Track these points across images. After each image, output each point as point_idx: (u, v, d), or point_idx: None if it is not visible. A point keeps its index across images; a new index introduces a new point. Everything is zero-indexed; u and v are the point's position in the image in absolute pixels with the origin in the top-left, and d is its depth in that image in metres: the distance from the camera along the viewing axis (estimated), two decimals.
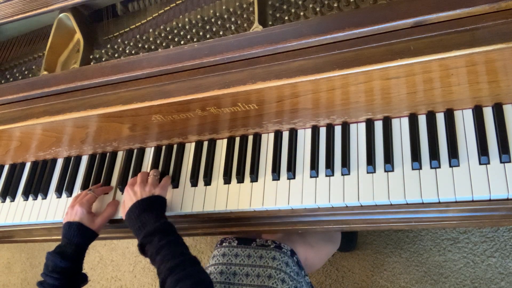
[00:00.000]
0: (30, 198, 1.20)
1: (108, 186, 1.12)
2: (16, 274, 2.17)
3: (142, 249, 0.90)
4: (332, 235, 1.19)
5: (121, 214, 0.99)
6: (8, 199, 1.23)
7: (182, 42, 1.03)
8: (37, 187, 1.20)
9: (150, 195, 0.97)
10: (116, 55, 1.10)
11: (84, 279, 0.99)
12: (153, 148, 1.13)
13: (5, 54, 1.27)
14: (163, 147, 1.11)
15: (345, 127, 0.95)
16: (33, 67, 1.20)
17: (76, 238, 0.98)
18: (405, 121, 0.92)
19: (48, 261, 0.95)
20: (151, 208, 0.94)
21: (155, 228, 0.89)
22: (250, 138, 1.04)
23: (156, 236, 0.88)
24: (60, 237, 1.19)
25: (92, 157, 1.18)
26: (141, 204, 0.95)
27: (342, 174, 0.92)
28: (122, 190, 1.10)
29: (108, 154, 1.17)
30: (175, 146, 1.10)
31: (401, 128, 0.92)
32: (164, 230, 0.89)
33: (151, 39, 1.07)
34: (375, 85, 0.84)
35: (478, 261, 1.45)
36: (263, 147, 1.02)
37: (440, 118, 0.89)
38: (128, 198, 0.98)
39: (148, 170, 1.10)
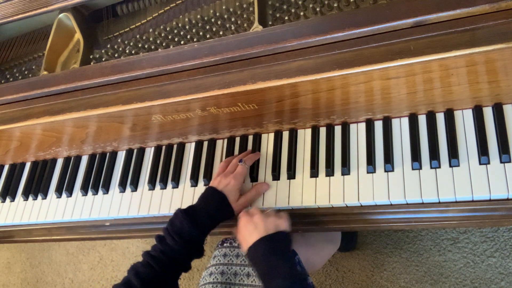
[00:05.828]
0: (30, 198, 1.20)
1: (256, 153, 1.00)
2: (16, 274, 2.17)
3: None
4: (333, 235, 1.19)
5: (241, 245, 0.88)
6: (8, 199, 1.23)
7: (182, 42, 1.03)
8: (37, 187, 1.20)
9: (276, 231, 0.84)
10: (116, 55, 1.10)
11: (201, 252, 0.90)
12: (153, 148, 1.12)
13: (5, 54, 1.27)
14: (163, 147, 1.11)
15: (345, 127, 0.95)
16: (33, 67, 1.20)
17: (214, 210, 0.90)
18: (405, 121, 0.92)
19: (176, 220, 0.87)
20: (281, 250, 0.82)
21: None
22: (250, 138, 1.04)
23: None
24: (59, 237, 1.20)
25: (92, 157, 1.18)
26: (268, 243, 0.82)
27: (342, 174, 0.92)
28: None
29: (108, 154, 1.17)
30: (175, 146, 1.10)
31: (401, 128, 0.92)
32: None
33: (151, 39, 1.07)
34: (375, 85, 0.84)
35: (478, 261, 1.45)
36: (263, 147, 1.02)
37: (440, 118, 0.89)
38: (245, 229, 0.85)
39: (148, 170, 1.09)
